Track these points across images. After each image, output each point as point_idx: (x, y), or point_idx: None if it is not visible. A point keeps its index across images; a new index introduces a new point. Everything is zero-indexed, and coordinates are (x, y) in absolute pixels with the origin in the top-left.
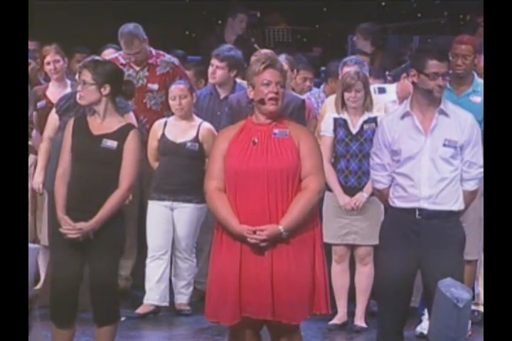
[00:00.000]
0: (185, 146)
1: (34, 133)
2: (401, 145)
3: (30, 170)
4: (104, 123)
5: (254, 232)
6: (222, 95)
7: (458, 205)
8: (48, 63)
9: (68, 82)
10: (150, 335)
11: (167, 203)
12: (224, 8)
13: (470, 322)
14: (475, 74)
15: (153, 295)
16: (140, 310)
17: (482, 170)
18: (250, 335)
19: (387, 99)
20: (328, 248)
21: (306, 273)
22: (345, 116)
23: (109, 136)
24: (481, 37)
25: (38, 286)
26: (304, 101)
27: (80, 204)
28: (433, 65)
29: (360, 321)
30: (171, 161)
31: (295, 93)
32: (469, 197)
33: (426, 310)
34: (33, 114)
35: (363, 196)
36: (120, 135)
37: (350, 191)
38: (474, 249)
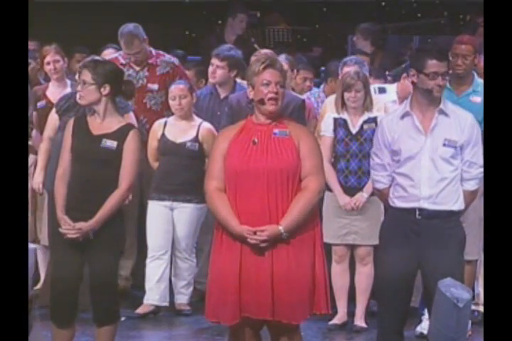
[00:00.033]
0: (185, 146)
1: (34, 133)
2: (401, 145)
3: (30, 170)
4: (104, 123)
5: (255, 233)
6: (223, 95)
7: (458, 205)
8: (48, 63)
9: (68, 82)
10: (150, 335)
11: (167, 203)
12: (224, 8)
13: (470, 322)
14: (475, 74)
15: (153, 295)
16: (140, 310)
17: (482, 169)
18: (250, 335)
19: (388, 99)
20: (328, 248)
21: (306, 273)
22: (345, 116)
23: (108, 136)
24: (481, 37)
25: (38, 286)
26: (303, 101)
27: (80, 204)
28: (432, 64)
29: (360, 321)
30: (171, 161)
31: (295, 93)
32: (469, 197)
33: (426, 310)
34: (33, 114)
35: (363, 196)
36: (120, 135)
37: (350, 191)
38: (474, 249)
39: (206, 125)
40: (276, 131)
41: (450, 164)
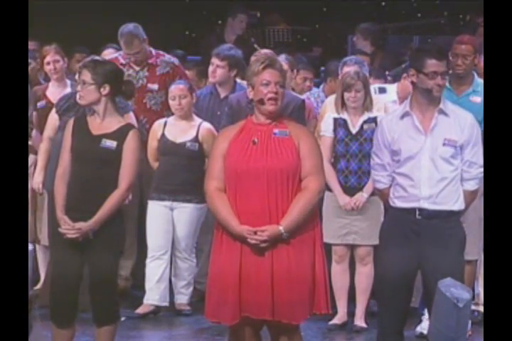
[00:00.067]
0: (185, 146)
1: (34, 133)
2: (401, 145)
3: (30, 170)
4: (103, 123)
5: (255, 233)
6: (223, 95)
7: (458, 205)
8: (48, 63)
9: (68, 82)
10: (150, 335)
11: (167, 203)
12: (224, 8)
13: (470, 322)
14: (475, 74)
15: (153, 295)
16: (140, 310)
17: (482, 169)
18: (250, 335)
19: (388, 99)
20: (328, 248)
21: (306, 273)
22: (345, 116)
23: (108, 135)
24: (481, 37)
25: (38, 286)
26: (303, 101)
27: (80, 204)
28: (432, 64)
29: (360, 321)
30: (171, 161)
31: (295, 93)
32: (470, 196)
33: (426, 310)
34: (33, 114)
35: (362, 196)
36: (119, 135)
37: (350, 191)
38: (474, 249)
39: (206, 125)
40: (276, 131)
41: (450, 164)
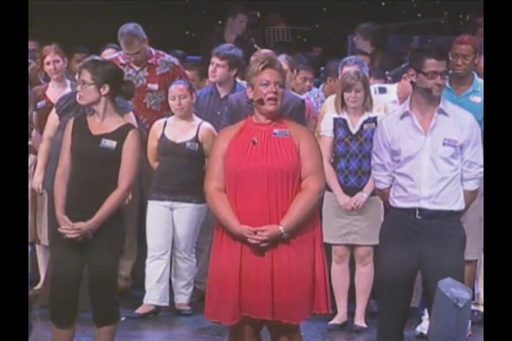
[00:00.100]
0: (185, 146)
1: (34, 133)
2: (401, 145)
3: (30, 170)
4: (103, 123)
5: (255, 233)
6: (223, 94)
7: (458, 205)
8: (48, 63)
9: (68, 82)
10: (150, 335)
11: (167, 203)
12: (224, 8)
13: (470, 322)
14: (475, 74)
15: (153, 295)
16: (140, 310)
17: (482, 169)
18: (250, 335)
19: (388, 99)
20: (328, 248)
21: (306, 273)
22: (345, 116)
23: (108, 135)
24: (481, 37)
25: (38, 286)
26: (303, 101)
27: (79, 204)
28: (431, 63)
29: (360, 321)
30: (171, 161)
31: (295, 93)
32: (470, 196)
33: (426, 310)
34: (33, 114)
35: (362, 196)
36: (119, 135)
37: (350, 191)
38: (474, 249)
39: (206, 125)
40: (276, 131)
41: (450, 164)
